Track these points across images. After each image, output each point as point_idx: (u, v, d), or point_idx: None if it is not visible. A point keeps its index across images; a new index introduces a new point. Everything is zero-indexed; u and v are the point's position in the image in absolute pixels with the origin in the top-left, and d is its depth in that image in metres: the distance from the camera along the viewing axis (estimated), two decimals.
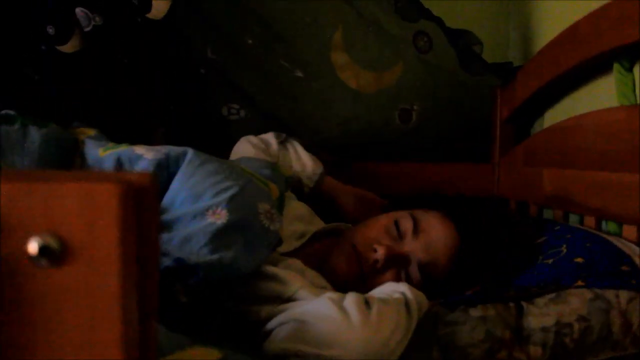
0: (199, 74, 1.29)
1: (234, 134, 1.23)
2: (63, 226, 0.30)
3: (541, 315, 0.66)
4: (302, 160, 1.20)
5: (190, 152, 0.86)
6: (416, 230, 0.86)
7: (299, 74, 1.32)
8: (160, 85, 1.29)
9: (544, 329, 0.65)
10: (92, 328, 0.30)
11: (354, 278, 0.85)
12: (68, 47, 1.22)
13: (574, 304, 0.67)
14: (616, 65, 0.98)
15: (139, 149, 0.89)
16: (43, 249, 0.30)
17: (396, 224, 0.88)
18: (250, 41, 1.30)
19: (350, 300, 0.67)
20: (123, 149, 0.90)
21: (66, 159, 0.94)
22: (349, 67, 1.33)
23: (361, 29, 1.31)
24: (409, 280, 0.84)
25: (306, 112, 1.36)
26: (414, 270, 0.85)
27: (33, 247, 0.30)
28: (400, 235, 0.87)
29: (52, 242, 0.30)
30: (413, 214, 0.89)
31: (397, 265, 0.85)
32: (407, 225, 0.87)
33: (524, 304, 0.68)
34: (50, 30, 1.21)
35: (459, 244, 0.86)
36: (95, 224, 0.30)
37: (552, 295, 0.69)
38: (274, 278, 0.78)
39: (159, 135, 1.35)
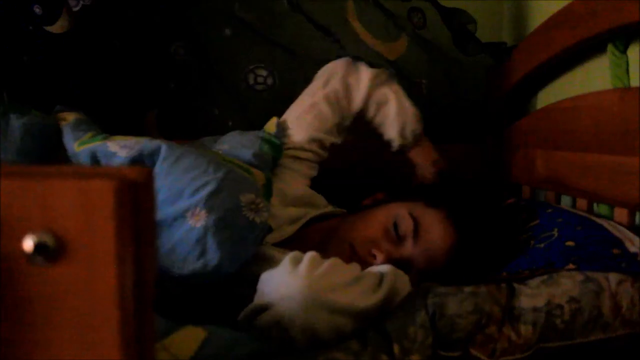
0: (223, 37, 1.27)
1: (259, 106, 1.23)
2: (59, 223, 0.30)
3: (532, 296, 0.67)
4: (402, 116, 1.07)
5: (163, 147, 0.83)
6: (416, 233, 0.84)
7: (330, 38, 1.31)
8: (158, 65, 1.27)
9: (535, 309, 0.65)
10: (90, 325, 0.30)
11: None
12: (56, 28, 1.20)
13: (565, 285, 0.68)
14: (610, 47, 0.97)
15: (113, 146, 0.86)
16: (39, 247, 0.30)
17: (395, 225, 0.85)
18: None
19: (307, 255, 0.68)
20: (97, 144, 0.88)
21: (48, 149, 0.92)
22: (365, 35, 1.32)
23: (367, 3, 1.32)
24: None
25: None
26: (412, 275, 0.81)
27: (28, 244, 0.30)
28: (400, 237, 0.84)
29: (48, 240, 0.30)
30: (413, 213, 0.85)
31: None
32: (407, 227, 0.84)
33: (515, 285, 0.69)
34: (37, 9, 1.18)
35: (458, 245, 0.84)
36: (91, 220, 0.30)
37: (544, 277, 0.69)
38: (269, 260, 0.78)
39: (152, 117, 1.34)
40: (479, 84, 1.39)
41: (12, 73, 1.21)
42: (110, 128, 1.09)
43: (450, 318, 0.63)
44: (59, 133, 0.95)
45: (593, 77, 1.07)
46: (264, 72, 1.31)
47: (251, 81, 1.31)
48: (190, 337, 0.59)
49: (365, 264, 0.80)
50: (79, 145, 0.90)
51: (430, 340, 0.63)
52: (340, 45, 1.32)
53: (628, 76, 0.95)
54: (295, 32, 1.31)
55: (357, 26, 1.32)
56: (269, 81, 1.31)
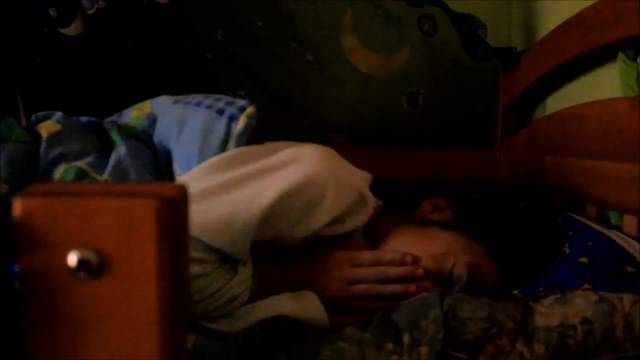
0: (205, 59, 1.28)
1: None
2: (101, 241, 0.31)
3: (545, 315, 0.67)
4: None
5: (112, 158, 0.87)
6: (467, 283, 0.83)
7: (310, 57, 1.31)
8: (166, 69, 1.28)
9: (548, 329, 0.66)
10: (130, 340, 0.32)
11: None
12: (71, 30, 1.21)
13: (579, 305, 0.68)
14: (621, 55, 0.98)
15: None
16: (82, 263, 0.31)
17: (450, 272, 0.83)
18: (260, 23, 1.29)
19: None
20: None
21: (35, 172, 0.87)
22: (358, 51, 1.33)
23: (369, 12, 1.31)
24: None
25: (317, 96, 1.35)
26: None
27: (72, 260, 0.31)
28: (450, 282, 0.83)
29: (91, 256, 0.31)
30: (472, 265, 0.83)
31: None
32: (459, 279, 0.83)
33: (531, 303, 0.70)
34: (52, 12, 1.20)
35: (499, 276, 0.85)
36: (132, 238, 0.31)
37: (558, 295, 0.70)
38: None
39: None
40: (487, 89, 1.40)
41: (25, 75, 1.22)
42: None
43: (462, 320, 0.64)
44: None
45: (603, 84, 1.07)
46: (242, 92, 1.32)
47: None
48: None
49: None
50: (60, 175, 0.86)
51: (441, 336, 0.63)
52: (318, 65, 1.33)
53: (638, 84, 0.95)
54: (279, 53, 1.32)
55: (350, 43, 1.33)
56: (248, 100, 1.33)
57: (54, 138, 0.90)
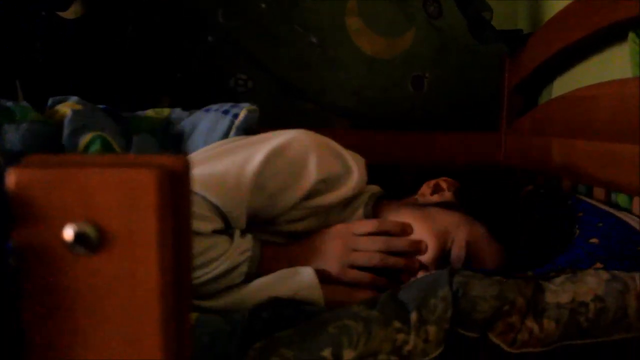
0: (206, 42, 1.26)
1: None
2: (100, 213, 0.30)
3: (556, 292, 0.66)
4: None
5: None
6: (466, 260, 0.83)
7: (314, 39, 1.28)
8: (167, 53, 1.26)
9: (559, 306, 0.65)
10: (132, 316, 0.30)
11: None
12: (69, 13, 1.20)
13: (591, 283, 0.67)
14: (631, 35, 0.96)
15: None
16: (79, 236, 0.29)
17: (449, 250, 0.84)
18: (263, 5, 1.26)
19: None
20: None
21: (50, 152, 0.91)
22: (363, 33, 1.30)
23: None
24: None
25: (321, 79, 1.33)
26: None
27: (69, 234, 0.29)
28: (447, 261, 0.84)
29: (89, 230, 0.29)
30: (471, 243, 0.83)
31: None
32: (459, 257, 0.83)
33: (542, 282, 0.68)
34: None
35: (505, 258, 0.84)
36: (133, 210, 0.30)
37: (569, 274, 0.69)
38: None
39: (164, 105, 1.33)
40: (494, 72, 1.38)
41: (25, 60, 1.20)
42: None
43: (473, 298, 0.62)
44: (59, 133, 0.93)
45: (612, 65, 1.05)
46: (243, 76, 1.31)
47: (232, 84, 1.31)
48: None
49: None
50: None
51: (450, 314, 0.62)
52: (322, 48, 1.30)
53: None
54: (283, 35, 1.29)
55: (354, 25, 1.30)
56: (249, 84, 1.31)
57: (78, 113, 0.96)
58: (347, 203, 0.92)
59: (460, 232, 0.84)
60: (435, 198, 0.92)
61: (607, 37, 1.04)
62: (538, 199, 0.99)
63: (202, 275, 0.74)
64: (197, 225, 0.74)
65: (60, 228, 0.30)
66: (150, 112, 1.09)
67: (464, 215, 0.86)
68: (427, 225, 0.85)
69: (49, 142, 0.92)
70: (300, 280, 0.77)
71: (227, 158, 0.80)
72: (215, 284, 0.75)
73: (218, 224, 0.77)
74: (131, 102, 1.22)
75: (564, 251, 0.81)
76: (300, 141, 0.84)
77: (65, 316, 0.30)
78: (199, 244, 0.74)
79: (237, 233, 0.79)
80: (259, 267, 0.78)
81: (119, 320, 0.30)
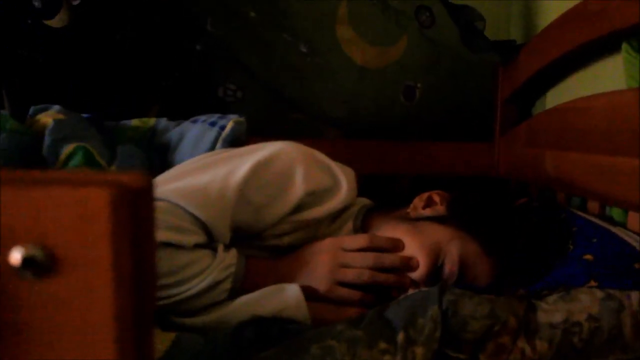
0: (194, 51, 1.23)
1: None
2: (50, 234, 0.27)
3: (550, 311, 0.64)
4: None
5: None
6: (460, 276, 0.81)
7: (303, 48, 1.26)
8: (155, 61, 1.24)
9: (552, 325, 0.63)
10: (84, 344, 0.28)
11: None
12: (56, 22, 1.17)
13: (585, 302, 0.65)
14: (625, 45, 0.94)
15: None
16: (27, 260, 0.27)
17: (442, 265, 0.81)
18: (252, 13, 1.23)
19: None
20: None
21: (28, 163, 0.88)
22: (354, 42, 1.27)
23: (365, 2, 1.26)
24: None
25: (311, 89, 1.30)
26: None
27: (16, 258, 0.27)
28: (440, 276, 0.81)
29: (38, 253, 0.27)
30: (463, 258, 0.81)
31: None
32: (452, 273, 0.81)
33: (534, 301, 0.66)
34: (37, 3, 1.16)
35: (498, 274, 0.82)
36: (86, 232, 0.27)
37: (562, 292, 0.67)
38: None
39: (153, 113, 1.31)
40: (486, 83, 1.37)
41: (10, 68, 1.18)
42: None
43: (463, 317, 0.60)
44: (39, 143, 0.90)
45: (606, 76, 1.04)
46: (232, 86, 1.29)
47: (221, 93, 1.29)
48: (157, 336, 0.57)
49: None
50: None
51: (438, 334, 0.60)
52: (312, 57, 1.28)
53: None
54: (272, 44, 1.27)
55: (345, 34, 1.27)
56: (239, 94, 1.29)
57: (60, 122, 0.93)
58: (336, 216, 0.89)
59: (452, 247, 0.82)
60: (428, 212, 0.89)
61: (601, 47, 1.02)
62: (532, 212, 0.97)
63: (183, 291, 0.71)
64: (179, 238, 0.72)
65: (7, 251, 0.27)
66: (136, 122, 1.07)
67: (456, 230, 0.84)
68: (419, 241, 0.83)
69: (29, 153, 0.89)
70: (285, 297, 0.74)
71: (210, 170, 0.78)
72: (197, 301, 0.72)
73: (201, 238, 0.75)
74: (119, 111, 1.20)
75: (557, 266, 0.79)
76: (287, 153, 0.82)
77: (13, 345, 0.28)
78: (180, 259, 0.71)
79: (221, 247, 0.76)
80: (244, 283, 0.75)
81: (72, 348, 0.28)
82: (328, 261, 0.80)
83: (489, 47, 1.30)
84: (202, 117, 1.01)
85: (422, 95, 1.34)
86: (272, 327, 0.65)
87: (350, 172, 0.90)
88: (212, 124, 0.96)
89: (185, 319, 0.71)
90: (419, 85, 1.33)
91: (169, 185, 0.76)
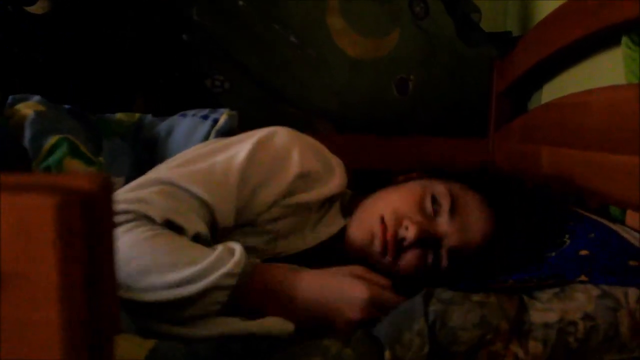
0: (180, 41, 1.19)
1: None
2: None
3: (544, 310, 0.62)
4: None
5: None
6: (453, 210, 0.80)
7: (293, 39, 1.22)
8: (140, 51, 1.20)
9: (547, 325, 0.60)
10: None
11: (376, 250, 0.80)
12: (36, 9, 1.14)
13: (580, 300, 0.62)
14: (625, 39, 0.91)
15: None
16: None
17: (433, 199, 0.81)
18: (241, 2, 1.19)
19: None
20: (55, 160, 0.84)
21: (10, 160, 0.84)
22: (346, 33, 1.24)
23: None
24: (435, 264, 0.80)
25: (301, 81, 1.27)
26: (444, 253, 0.79)
27: None
28: (435, 212, 0.80)
29: None
30: (452, 191, 0.82)
31: (425, 246, 0.79)
32: (444, 202, 0.80)
33: (525, 297, 0.64)
34: None
35: (494, 232, 0.80)
36: (29, 244, 0.24)
37: (556, 290, 0.64)
38: None
39: (139, 105, 1.28)
40: (482, 77, 1.34)
41: None
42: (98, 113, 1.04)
43: (452, 329, 0.57)
44: (19, 135, 0.87)
45: (604, 71, 1.01)
46: (220, 77, 1.25)
47: (208, 85, 1.26)
48: (136, 345, 0.53)
49: (393, 235, 0.78)
50: (39, 164, 0.84)
51: (427, 350, 0.57)
52: (303, 49, 1.25)
53: None
54: (261, 34, 1.24)
55: (336, 25, 1.24)
56: (226, 86, 1.26)
57: (40, 114, 0.90)
58: (325, 202, 0.89)
59: (436, 184, 0.83)
60: (402, 179, 0.91)
61: (600, 40, 0.99)
62: (531, 195, 0.96)
63: (172, 295, 0.65)
64: (182, 222, 0.70)
65: None
66: (120, 116, 1.04)
67: (444, 180, 0.85)
68: (399, 191, 0.84)
69: (7, 144, 0.86)
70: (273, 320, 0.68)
71: (212, 156, 0.79)
72: (183, 310, 0.66)
73: (201, 227, 0.72)
74: (102, 103, 1.17)
75: (551, 260, 0.76)
76: (284, 135, 0.83)
77: None
78: (181, 245, 0.68)
79: (226, 248, 0.70)
80: (243, 295, 0.67)
81: None
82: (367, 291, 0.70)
83: (484, 39, 1.27)
84: (192, 112, 0.99)
85: (416, 89, 1.30)
86: (262, 342, 0.62)
87: (341, 162, 0.91)
88: (204, 117, 0.95)
89: (168, 327, 0.66)
90: (412, 78, 1.30)
91: (173, 171, 0.76)
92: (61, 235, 0.24)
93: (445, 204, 0.80)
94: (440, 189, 0.82)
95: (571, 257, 0.72)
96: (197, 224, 0.72)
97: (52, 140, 0.87)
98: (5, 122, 0.91)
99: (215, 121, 0.94)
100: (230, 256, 0.67)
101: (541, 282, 0.67)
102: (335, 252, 0.84)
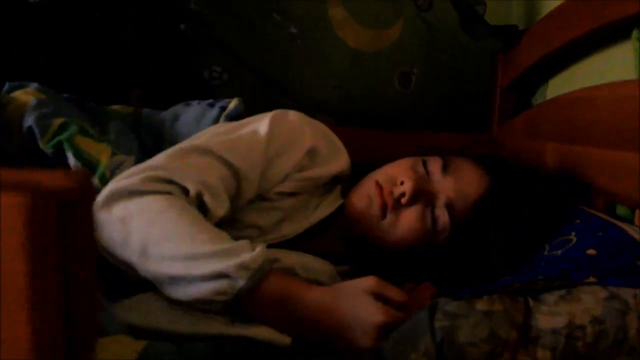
0: (178, 31, 1.17)
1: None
2: None
3: (551, 314, 0.59)
4: None
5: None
6: (445, 169, 0.84)
7: (293, 30, 1.20)
8: (137, 42, 1.17)
9: (555, 331, 0.58)
10: None
11: (375, 214, 0.83)
12: None
13: (587, 303, 0.60)
14: (635, 32, 0.89)
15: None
16: None
17: (424, 163, 0.85)
18: None
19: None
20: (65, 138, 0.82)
21: (9, 147, 0.84)
22: (347, 24, 1.21)
23: None
24: (435, 222, 0.82)
25: (300, 72, 1.24)
26: (441, 210, 0.81)
27: None
28: (428, 173, 0.85)
29: None
30: (443, 157, 0.86)
31: (423, 201, 0.82)
32: (435, 165, 0.85)
33: (530, 300, 0.61)
34: None
35: (490, 185, 0.83)
36: None
37: (562, 292, 0.62)
38: None
39: (136, 97, 1.25)
40: (486, 70, 1.31)
41: None
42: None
43: (461, 347, 0.55)
44: (16, 123, 0.85)
45: (613, 65, 0.98)
46: (218, 68, 1.23)
47: (206, 76, 1.23)
48: (125, 346, 0.51)
49: (389, 194, 0.82)
50: (46, 143, 0.82)
51: None
52: (302, 39, 1.22)
53: None
54: (260, 24, 1.21)
55: (337, 15, 1.21)
56: (225, 77, 1.23)
57: (42, 102, 0.88)
58: (329, 186, 0.93)
59: (428, 155, 0.88)
60: None
61: (609, 34, 0.97)
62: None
63: (182, 270, 0.63)
64: (211, 204, 0.73)
65: None
66: (116, 107, 1.03)
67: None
68: (392, 163, 0.89)
69: (3, 132, 0.84)
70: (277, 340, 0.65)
71: (235, 132, 0.82)
72: (190, 293, 0.63)
73: (225, 210, 0.75)
74: (98, 94, 1.14)
75: (557, 259, 0.74)
76: (295, 113, 0.88)
77: None
78: (204, 230, 0.68)
79: (248, 243, 0.68)
80: (251, 296, 0.64)
81: None
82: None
83: (489, 32, 1.24)
84: (195, 101, 1.01)
85: (418, 82, 1.28)
86: (260, 344, 0.59)
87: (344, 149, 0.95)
88: (211, 105, 0.97)
89: (157, 322, 0.64)
90: (415, 71, 1.28)
91: (203, 140, 0.78)
92: (33, 236, 0.22)
93: (436, 166, 0.84)
94: (430, 156, 0.87)
95: (578, 257, 0.70)
96: (222, 208, 0.75)
97: (59, 120, 0.85)
98: (2, 109, 0.89)
99: (223, 108, 0.95)
100: (250, 251, 0.66)
101: (548, 283, 0.65)
102: (334, 228, 0.88)
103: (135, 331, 0.58)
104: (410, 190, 0.80)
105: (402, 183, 0.82)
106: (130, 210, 0.67)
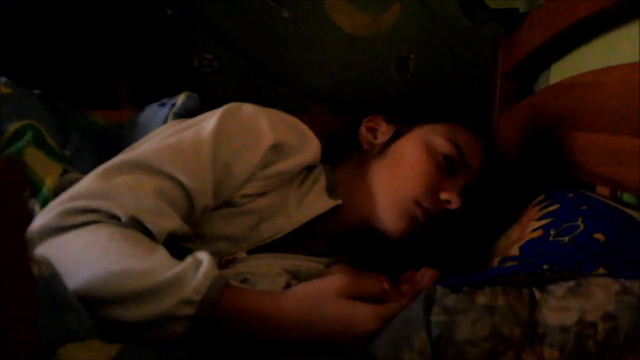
0: (165, 16, 1.13)
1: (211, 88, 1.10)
2: None
3: (560, 309, 0.56)
4: None
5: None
6: (463, 161, 0.87)
7: (286, 14, 1.17)
8: (121, 28, 1.14)
9: (564, 329, 0.54)
10: None
11: (417, 224, 0.84)
12: None
13: (599, 297, 0.56)
14: None
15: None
16: None
17: (445, 158, 0.86)
18: None
19: None
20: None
21: None
22: (342, 8, 1.19)
23: None
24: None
25: (294, 58, 1.22)
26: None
27: None
28: (451, 170, 0.86)
29: None
30: (454, 139, 0.87)
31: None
32: (454, 156, 0.87)
33: (536, 292, 0.58)
34: None
35: (485, 148, 0.91)
36: None
37: (571, 284, 0.58)
38: None
39: (124, 85, 1.22)
40: (486, 55, 1.28)
41: None
42: (80, 96, 0.98)
43: (459, 345, 0.51)
44: None
45: (619, 48, 0.94)
46: (209, 55, 1.19)
47: (196, 63, 1.20)
48: (98, 352, 0.47)
49: (436, 212, 0.84)
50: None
51: None
52: (296, 24, 1.18)
53: None
54: (251, 8, 1.18)
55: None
56: (215, 64, 1.19)
57: (6, 97, 0.84)
58: (305, 177, 0.88)
59: (431, 135, 0.88)
60: (382, 137, 0.92)
61: (615, 16, 0.93)
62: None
63: (120, 316, 0.55)
64: (150, 224, 0.64)
65: None
66: (97, 117, 1.01)
67: (419, 128, 0.90)
68: (405, 164, 0.86)
69: None
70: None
71: (177, 135, 0.75)
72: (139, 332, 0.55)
73: (174, 224, 0.67)
74: (84, 81, 1.11)
75: (565, 247, 0.70)
76: (249, 107, 0.81)
77: None
78: (139, 260, 0.57)
79: (190, 262, 0.59)
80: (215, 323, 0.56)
81: None
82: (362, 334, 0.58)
83: (489, 16, 1.21)
84: (153, 104, 0.97)
85: (416, 68, 1.26)
86: (244, 348, 0.56)
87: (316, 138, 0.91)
88: (162, 105, 0.93)
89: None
90: (412, 56, 1.25)
91: (138, 151, 0.70)
92: None
93: (456, 158, 0.86)
94: (439, 141, 0.87)
95: (585, 243, 0.66)
96: (168, 221, 0.66)
97: (16, 125, 0.81)
98: None
99: (173, 105, 0.92)
100: (193, 275, 0.56)
101: (555, 274, 0.61)
102: (326, 227, 0.85)
103: (109, 334, 0.53)
104: (460, 204, 0.84)
105: (448, 201, 0.84)
106: (52, 253, 0.55)
